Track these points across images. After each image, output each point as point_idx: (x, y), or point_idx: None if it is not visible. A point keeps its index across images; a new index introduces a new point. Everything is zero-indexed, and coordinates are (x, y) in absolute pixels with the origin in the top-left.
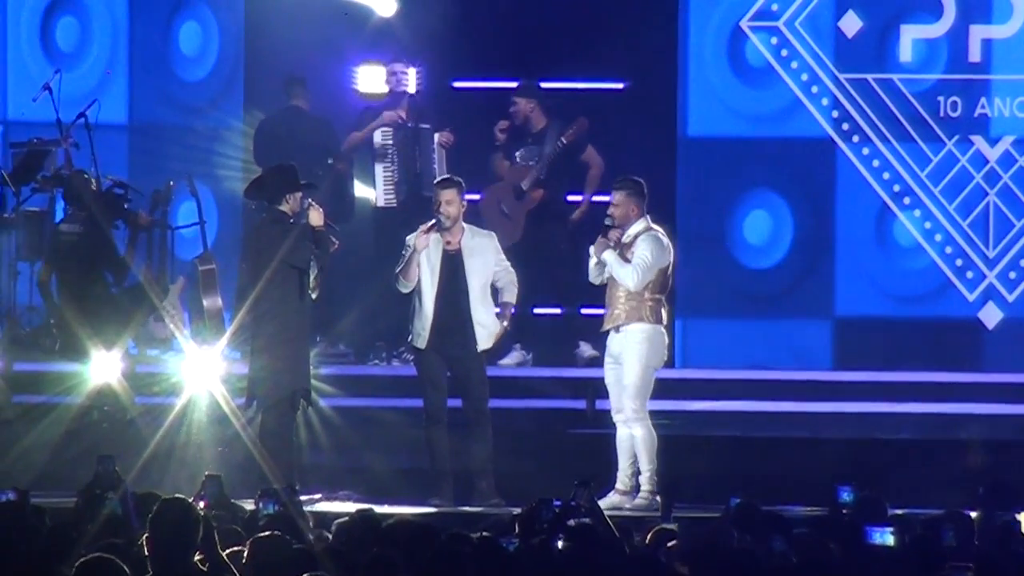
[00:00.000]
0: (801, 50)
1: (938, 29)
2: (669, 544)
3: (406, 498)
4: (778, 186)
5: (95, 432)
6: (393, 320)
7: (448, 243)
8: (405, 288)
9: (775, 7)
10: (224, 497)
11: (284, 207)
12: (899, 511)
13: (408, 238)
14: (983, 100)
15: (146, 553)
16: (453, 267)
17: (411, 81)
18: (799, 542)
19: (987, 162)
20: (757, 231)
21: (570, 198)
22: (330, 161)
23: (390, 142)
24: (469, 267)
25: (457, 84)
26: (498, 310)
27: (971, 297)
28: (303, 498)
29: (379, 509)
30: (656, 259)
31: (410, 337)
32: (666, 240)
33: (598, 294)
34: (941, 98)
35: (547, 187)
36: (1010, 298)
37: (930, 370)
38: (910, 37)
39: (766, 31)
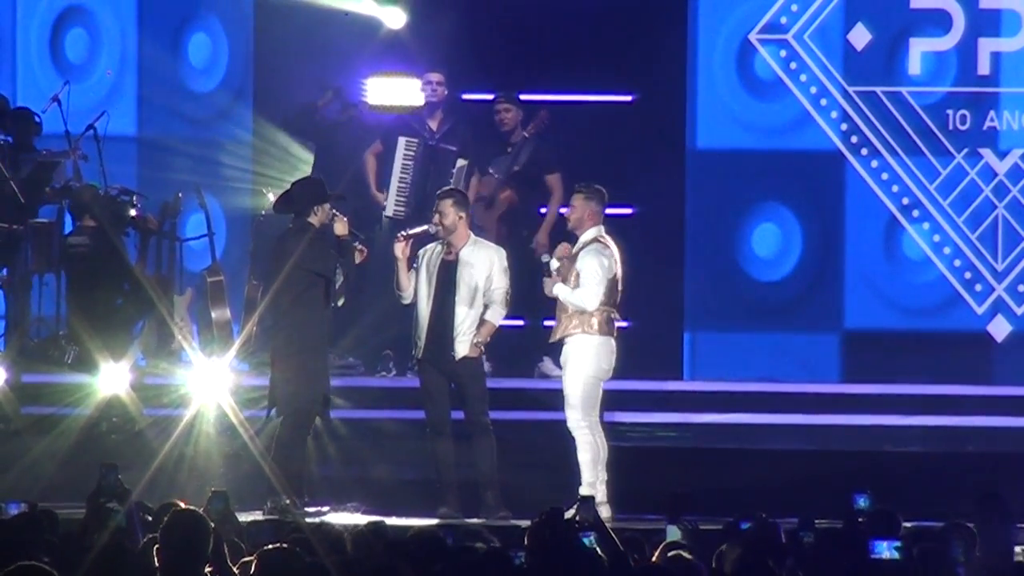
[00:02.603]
0: (810, 63)
1: (947, 42)
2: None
3: (415, 509)
4: (787, 199)
5: (103, 443)
6: (402, 331)
7: (448, 253)
8: (403, 300)
9: (784, 20)
10: (229, 513)
11: (312, 219)
12: (908, 524)
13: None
14: (992, 113)
15: (156, 564)
16: (448, 277)
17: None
18: (807, 557)
19: (996, 175)
20: (766, 244)
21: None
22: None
23: (412, 153)
24: (460, 277)
25: (466, 96)
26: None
27: (980, 310)
28: (310, 509)
29: (388, 521)
30: (603, 272)
31: (412, 347)
32: (609, 250)
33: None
34: (950, 111)
35: (517, 189)
36: (1019, 311)
37: (939, 383)
38: (919, 50)
39: (775, 44)
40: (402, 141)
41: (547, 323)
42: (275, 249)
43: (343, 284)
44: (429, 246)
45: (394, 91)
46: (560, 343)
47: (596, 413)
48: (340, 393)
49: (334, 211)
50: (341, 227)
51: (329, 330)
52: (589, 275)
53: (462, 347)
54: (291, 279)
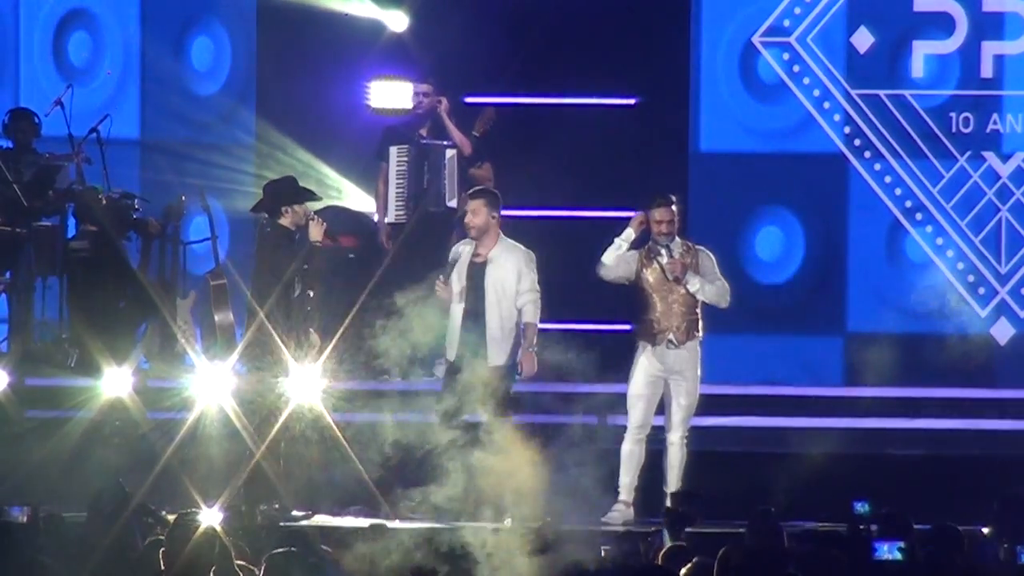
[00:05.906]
0: (813, 66)
1: (950, 45)
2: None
3: (417, 513)
4: (790, 202)
5: (107, 447)
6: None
7: (477, 255)
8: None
9: (787, 23)
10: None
11: (284, 220)
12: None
13: (455, 252)
14: (995, 116)
15: (161, 568)
16: (477, 279)
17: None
18: (807, 560)
19: (999, 178)
20: (769, 247)
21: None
22: None
23: (405, 159)
24: (488, 280)
25: (469, 100)
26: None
27: (983, 313)
28: (300, 513)
29: (389, 524)
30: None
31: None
32: None
33: None
34: (953, 114)
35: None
36: (1022, 314)
37: (942, 386)
38: (922, 53)
39: (778, 47)
40: (393, 151)
41: None
42: (256, 252)
43: (312, 298)
44: (460, 248)
45: (397, 95)
46: (674, 345)
47: None
48: (344, 396)
49: (312, 214)
50: (316, 231)
51: (298, 336)
52: (719, 277)
53: (496, 356)
54: (255, 283)
